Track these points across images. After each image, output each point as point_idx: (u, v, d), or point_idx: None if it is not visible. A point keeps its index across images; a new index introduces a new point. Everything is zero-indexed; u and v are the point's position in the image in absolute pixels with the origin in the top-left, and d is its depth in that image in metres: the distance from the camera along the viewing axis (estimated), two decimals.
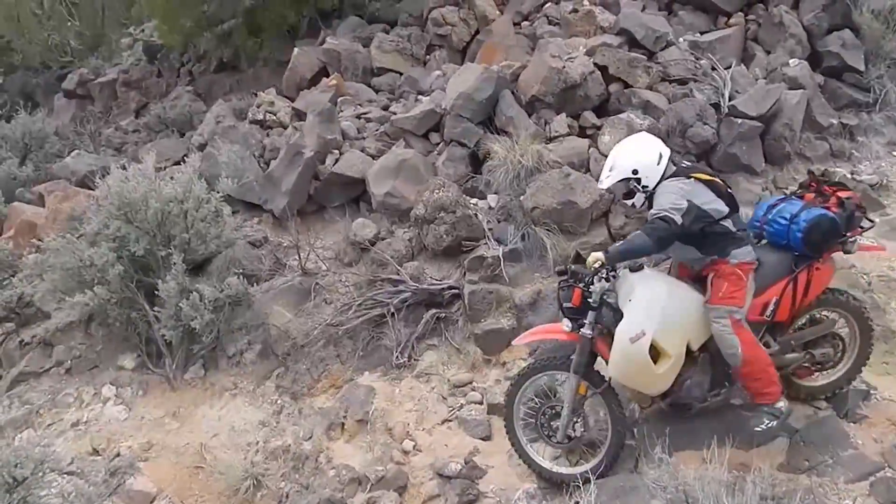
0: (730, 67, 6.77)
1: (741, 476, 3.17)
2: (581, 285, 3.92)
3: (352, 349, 5.64)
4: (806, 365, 4.24)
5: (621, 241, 3.93)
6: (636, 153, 3.98)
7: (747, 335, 3.89)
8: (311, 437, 5.02)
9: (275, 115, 7.72)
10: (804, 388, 4.35)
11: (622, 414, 4.17)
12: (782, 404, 3.97)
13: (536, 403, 4.33)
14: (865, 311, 4.29)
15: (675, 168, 3.97)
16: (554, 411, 4.24)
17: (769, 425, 3.90)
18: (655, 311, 3.86)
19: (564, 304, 3.99)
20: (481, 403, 4.97)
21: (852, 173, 6.58)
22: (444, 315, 5.62)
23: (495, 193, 6.20)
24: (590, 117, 6.46)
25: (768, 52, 7.34)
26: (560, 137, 6.32)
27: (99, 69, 11.63)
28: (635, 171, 3.93)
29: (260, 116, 7.74)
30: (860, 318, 4.25)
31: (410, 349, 5.49)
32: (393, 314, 5.60)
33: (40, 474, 3.55)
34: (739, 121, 6.32)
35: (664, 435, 3.72)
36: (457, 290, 5.65)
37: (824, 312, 4.29)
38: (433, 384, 5.22)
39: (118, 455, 5.07)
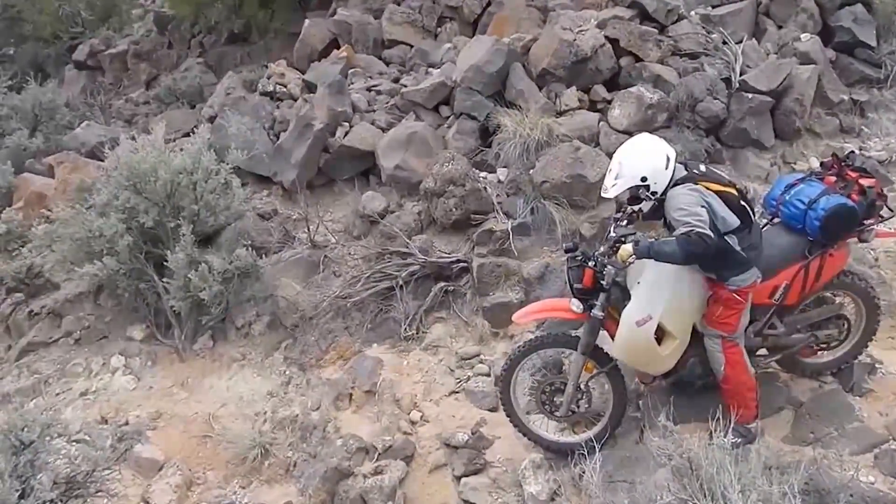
0: (741, 41, 6.72)
1: (746, 446, 3.19)
2: (592, 265, 3.86)
3: (360, 321, 5.66)
4: (810, 344, 4.23)
5: (652, 239, 3.76)
6: (644, 159, 3.74)
7: (735, 357, 3.86)
8: (318, 408, 5.06)
9: (285, 86, 7.69)
10: (808, 365, 4.35)
11: (625, 389, 4.19)
12: (754, 426, 3.94)
13: (537, 379, 4.35)
14: (872, 291, 4.25)
15: (685, 172, 3.77)
16: (554, 387, 4.25)
17: (735, 442, 3.58)
18: (663, 294, 3.83)
19: (575, 285, 3.92)
20: (489, 375, 5.00)
21: (861, 149, 6.55)
22: (452, 288, 5.64)
23: (505, 167, 6.18)
24: (600, 91, 6.42)
25: (780, 27, 7.28)
26: (570, 111, 6.29)
27: (109, 40, 11.55)
28: (644, 178, 3.71)
29: (270, 88, 7.71)
30: (867, 298, 4.21)
31: (418, 322, 5.51)
32: (401, 287, 5.62)
33: (47, 438, 3.57)
34: (750, 95, 6.28)
35: (669, 405, 3.74)
36: (465, 264, 5.66)
37: (831, 293, 4.26)
38: (441, 356, 5.25)
39: (126, 423, 5.14)
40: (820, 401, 4.19)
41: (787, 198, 4.01)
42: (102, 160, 6.62)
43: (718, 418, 3.13)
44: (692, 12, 7.16)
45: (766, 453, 2.87)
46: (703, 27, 6.94)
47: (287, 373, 5.51)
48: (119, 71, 11.16)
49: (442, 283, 5.63)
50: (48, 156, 8.09)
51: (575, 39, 6.36)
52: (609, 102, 6.32)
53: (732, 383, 3.88)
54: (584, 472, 3.35)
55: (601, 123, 6.18)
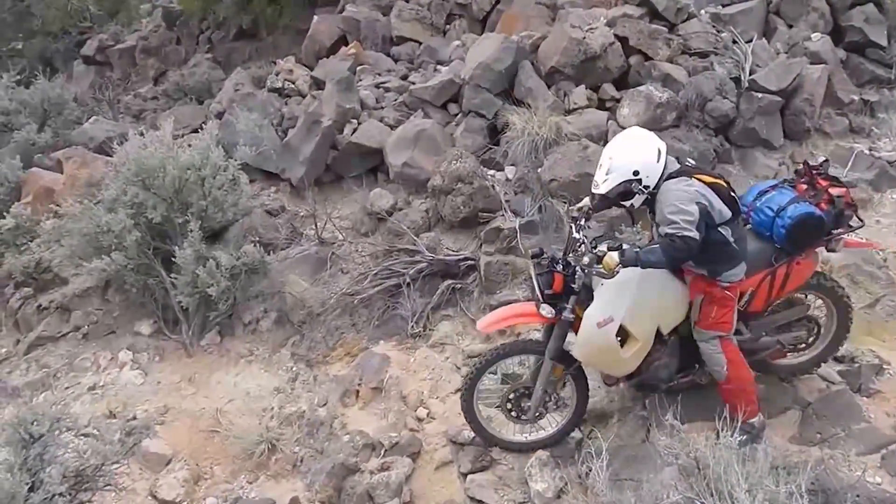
0: (751, 41, 6.70)
1: (752, 446, 3.18)
2: (560, 270, 3.83)
3: (367, 318, 5.68)
4: (778, 347, 4.18)
5: (638, 247, 3.72)
6: (635, 152, 3.67)
7: (734, 354, 3.84)
8: (325, 404, 5.08)
9: (293, 83, 7.71)
10: (779, 367, 4.32)
11: (587, 391, 4.20)
12: (757, 420, 3.92)
13: (500, 386, 4.34)
14: (842, 291, 4.20)
15: (677, 165, 3.72)
16: (519, 393, 4.22)
17: (742, 440, 3.61)
18: (625, 296, 3.78)
19: (545, 291, 3.85)
20: (495, 374, 4.99)
21: (871, 149, 6.51)
22: (459, 286, 5.65)
23: (513, 165, 6.18)
24: (609, 89, 6.41)
25: (790, 26, 7.24)
26: (579, 109, 6.29)
27: (118, 35, 11.59)
28: (636, 172, 3.63)
29: (278, 84, 7.73)
30: (837, 300, 4.16)
31: (425, 319, 5.52)
32: (409, 284, 5.63)
33: (56, 432, 3.60)
34: (759, 95, 6.27)
35: (676, 404, 3.73)
36: (473, 262, 5.67)
37: (800, 295, 4.21)
38: (447, 354, 5.25)
39: (134, 418, 5.17)
40: (827, 401, 4.17)
41: (758, 204, 3.96)
42: (111, 155, 6.65)
43: (725, 417, 3.12)
44: (702, 11, 7.13)
45: (772, 453, 2.87)
46: (713, 26, 6.92)
47: (294, 369, 5.53)
48: (127, 66, 11.19)
49: (449, 281, 5.64)
50: (56, 151, 8.12)
51: (584, 37, 6.35)
52: (618, 101, 6.31)
53: (735, 381, 3.85)
54: (590, 470, 3.34)
55: (610, 122, 6.17)
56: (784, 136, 6.44)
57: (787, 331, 4.20)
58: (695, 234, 3.46)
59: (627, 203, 3.80)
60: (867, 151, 6.43)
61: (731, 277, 3.74)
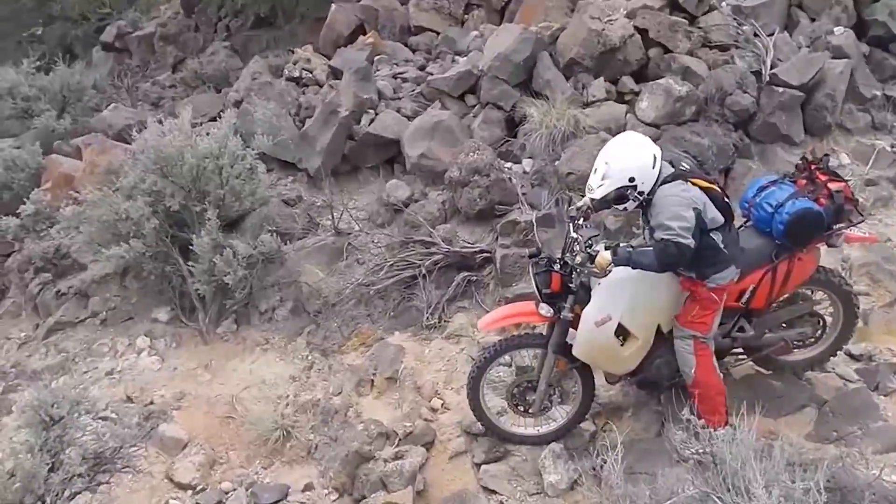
0: (773, 34, 6.64)
1: (768, 442, 3.17)
2: (558, 269, 3.85)
3: (382, 309, 5.70)
4: (783, 343, 4.16)
5: (632, 248, 3.70)
6: (631, 158, 3.64)
7: (706, 359, 3.82)
8: (340, 393, 5.11)
9: (311, 72, 7.71)
10: (785, 363, 4.30)
11: (593, 385, 4.20)
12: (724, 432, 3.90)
13: (506, 379, 4.37)
14: (848, 287, 4.18)
15: (672, 169, 3.69)
16: (524, 386, 4.23)
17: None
18: (623, 294, 3.79)
19: (543, 290, 3.87)
20: (510, 366, 4.99)
21: (893, 146, 6.45)
22: (475, 278, 5.65)
23: (530, 158, 6.17)
24: (628, 82, 6.37)
25: (813, 20, 7.17)
26: (597, 102, 6.26)
27: (137, 22, 11.63)
28: (632, 179, 3.61)
29: (296, 74, 7.73)
30: (844, 296, 4.14)
31: (441, 311, 5.53)
32: (424, 276, 5.64)
33: (76, 415, 3.65)
34: (780, 90, 6.20)
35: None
36: (489, 254, 5.66)
37: (805, 291, 4.19)
38: (462, 345, 5.26)
39: (151, 403, 5.23)
40: (844, 399, 4.15)
41: (758, 200, 3.94)
42: (129, 143, 6.68)
43: (743, 413, 3.11)
44: (723, 3, 7.07)
45: (788, 450, 2.85)
46: (735, 18, 6.85)
47: (309, 358, 5.56)
48: (146, 53, 11.21)
49: (465, 273, 5.65)
50: (76, 137, 8.19)
51: (604, 29, 6.31)
52: (637, 94, 6.28)
53: (702, 386, 3.83)
54: (605, 463, 3.35)
55: (628, 115, 6.15)
56: (805, 132, 6.38)
57: (792, 327, 4.19)
58: (690, 241, 3.47)
59: (621, 207, 3.79)
60: (889, 148, 6.37)
61: (718, 280, 3.72)
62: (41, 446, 3.39)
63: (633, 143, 3.76)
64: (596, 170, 3.73)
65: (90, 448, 3.70)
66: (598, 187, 3.70)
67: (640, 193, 3.66)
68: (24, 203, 6.90)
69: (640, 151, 3.67)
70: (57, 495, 3.22)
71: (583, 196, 5.45)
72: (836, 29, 6.88)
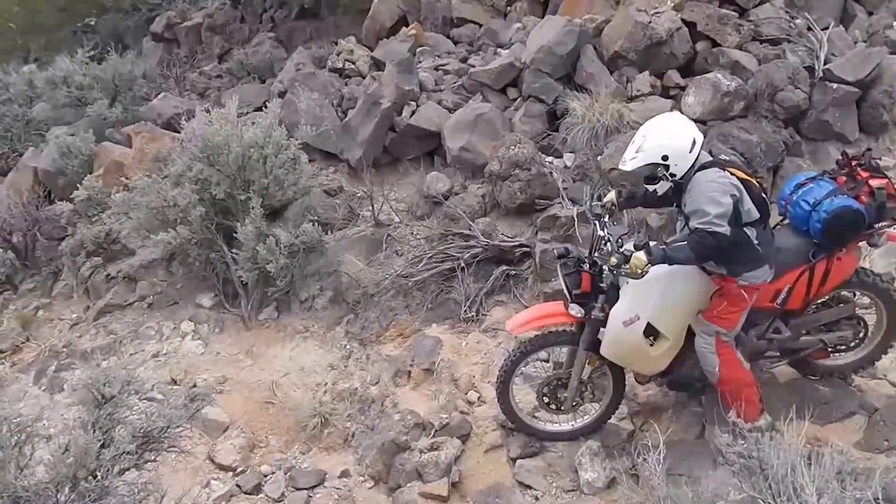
0: (827, 28, 6.45)
1: (817, 449, 3.09)
2: (588, 269, 3.80)
3: (421, 301, 5.72)
4: (821, 347, 4.04)
5: (665, 244, 3.63)
6: (668, 136, 3.54)
7: (729, 356, 3.73)
8: (377, 382, 5.16)
9: (354, 63, 7.77)
10: (823, 367, 4.17)
11: (623, 382, 4.15)
12: (762, 422, 3.76)
13: (538, 376, 4.35)
14: (891, 289, 4.00)
15: (710, 158, 3.61)
16: (555, 383, 4.21)
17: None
18: (653, 294, 3.71)
19: (574, 291, 3.82)
20: (547, 361, 4.97)
21: None
22: (513, 272, 5.63)
23: (572, 152, 6.11)
24: (674, 76, 6.26)
25: (870, 13, 6.96)
26: (642, 97, 6.16)
27: (186, 12, 11.84)
28: (665, 157, 3.52)
29: (339, 65, 7.80)
30: (888, 300, 3.98)
31: (479, 304, 5.53)
32: (463, 269, 5.64)
33: (125, 395, 3.73)
34: (835, 86, 6.03)
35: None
36: (528, 249, 5.64)
37: (847, 292, 4.05)
38: (500, 339, 5.26)
39: (195, 386, 5.34)
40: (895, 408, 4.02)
41: (795, 198, 3.82)
42: (178, 131, 6.83)
43: (792, 418, 3.04)
44: None
45: (838, 458, 2.78)
46: (787, 12, 6.66)
47: (348, 347, 5.62)
48: (194, 43, 11.41)
49: (504, 267, 5.63)
50: (126, 125, 8.40)
51: (650, 22, 6.21)
52: (683, 89, 6.16)
53: (729, 382, 3.76)
54: (645, 462, 3.31)
55: (674, 111, 6.02)
56: (859, 130, 6.18)
57: (831, 330, 4.06)
58: (725, 228, 3.38)
59: (651, 187, 3.72)
60: None
61: (750, 278, 3.62)
62: (94, 423, 3.48)
63: (675, 122, 3.69)
64: (633, 142, 3.67)
65: (139, 427, 3.79)
66: (630, 159, 3.62)
67: (672, 175, 3.58)
68: (78, 189, 7.10)
69: (680, 132, 3.58)
70: (108, 471, 3.30)
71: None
72: (895, 23, 6.64)
